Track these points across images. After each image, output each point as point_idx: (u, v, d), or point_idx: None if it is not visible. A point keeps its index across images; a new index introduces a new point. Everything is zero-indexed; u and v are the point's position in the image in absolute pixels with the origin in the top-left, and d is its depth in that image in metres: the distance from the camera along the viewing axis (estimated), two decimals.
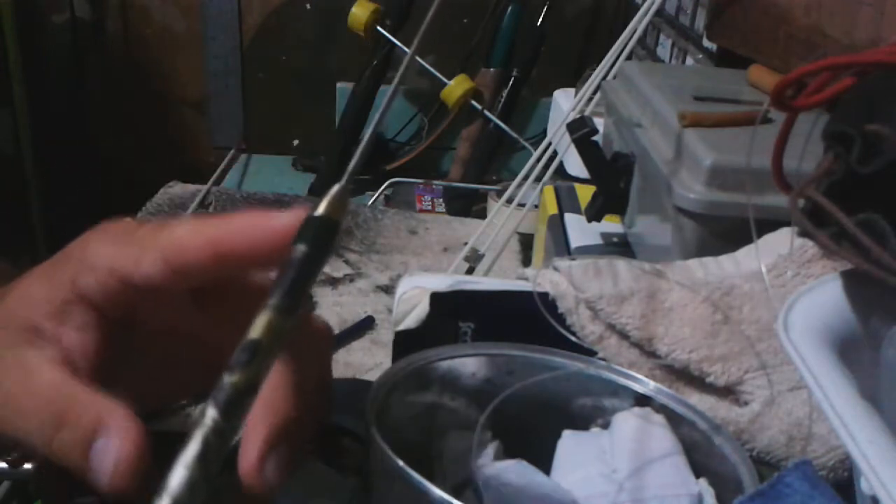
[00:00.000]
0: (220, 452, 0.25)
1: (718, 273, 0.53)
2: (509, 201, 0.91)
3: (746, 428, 0.46)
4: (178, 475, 0.24)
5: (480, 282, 0.55)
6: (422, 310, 0.51)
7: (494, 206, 0.97)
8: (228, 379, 0.27)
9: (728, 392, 0.49)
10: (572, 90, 1.25)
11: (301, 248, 0.30)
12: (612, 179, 0.74)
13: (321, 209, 0.31)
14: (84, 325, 0.34)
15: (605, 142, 0.84)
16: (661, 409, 0.44)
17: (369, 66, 2.02)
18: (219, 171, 1.93)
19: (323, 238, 0.30)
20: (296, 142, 2.47)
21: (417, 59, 0.39)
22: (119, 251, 0.34)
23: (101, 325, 0.34)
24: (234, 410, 0.26)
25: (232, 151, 2.28)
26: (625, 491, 0.39)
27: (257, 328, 0.28)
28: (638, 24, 0.96)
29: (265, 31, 2.40)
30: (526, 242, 0.98)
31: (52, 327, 0.34)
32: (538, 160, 0.91)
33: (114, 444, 0.31)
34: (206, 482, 0.25)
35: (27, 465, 0.45)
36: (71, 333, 0.34)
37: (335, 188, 0.31)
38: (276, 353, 0.28)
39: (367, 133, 0.33)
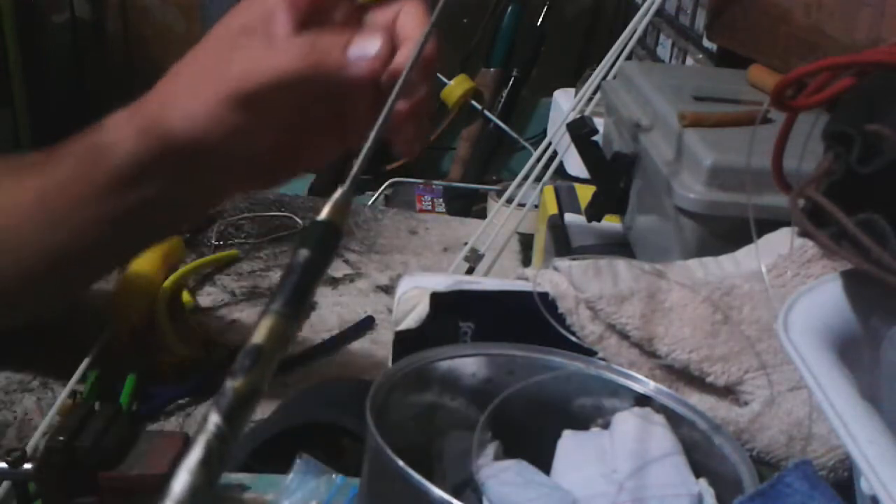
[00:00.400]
0: (222, 457, 0.26)
1: (718, 273, 0.53)
2: (509, 201, 0.91)
3: (746, 428, 0.46)
4: (181, 480, 0.24)
5: (480, 282, 0.55)
6: (422, 310, 0.51)
7: (494, 206, 0.97)
8: (231, 384, 0.27)
9: (728, 392, 0.49)
10: (572, 90, 1.25)
11: (304, 253, 0.30)
12: (612, 179, 0.74)
13: (324, 214, 0.31)
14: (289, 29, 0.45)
15: (605, 142, 0.84)
16: (661, 409, 0.44)
17: None
18: None
19: (325, 243, 0.30)
20: None
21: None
22: None
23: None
24: (236, 416, 0.26)
25: None
26: (625, 491, 0.39)
27: (260, 333, 0.28)
28: (638, 24, 0.96)
29: None
30: (526, 242, 0.98)
31: (263, 28, 0.46)
32: (538, 160, 0.91)
33: (373, 40, 0.43)
34: (209, 486, 0.25)
35: (27, 465, 0.45)
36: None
37: (338, 193, 0.31)
38: (278, 357, 0.28)
39: (370, 138, 0.33)
